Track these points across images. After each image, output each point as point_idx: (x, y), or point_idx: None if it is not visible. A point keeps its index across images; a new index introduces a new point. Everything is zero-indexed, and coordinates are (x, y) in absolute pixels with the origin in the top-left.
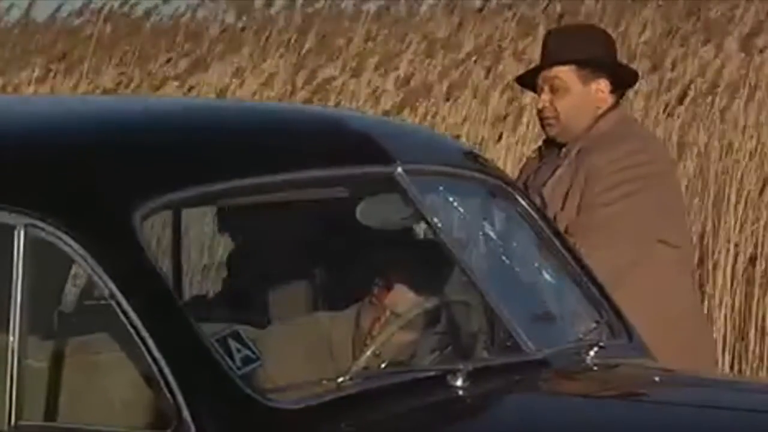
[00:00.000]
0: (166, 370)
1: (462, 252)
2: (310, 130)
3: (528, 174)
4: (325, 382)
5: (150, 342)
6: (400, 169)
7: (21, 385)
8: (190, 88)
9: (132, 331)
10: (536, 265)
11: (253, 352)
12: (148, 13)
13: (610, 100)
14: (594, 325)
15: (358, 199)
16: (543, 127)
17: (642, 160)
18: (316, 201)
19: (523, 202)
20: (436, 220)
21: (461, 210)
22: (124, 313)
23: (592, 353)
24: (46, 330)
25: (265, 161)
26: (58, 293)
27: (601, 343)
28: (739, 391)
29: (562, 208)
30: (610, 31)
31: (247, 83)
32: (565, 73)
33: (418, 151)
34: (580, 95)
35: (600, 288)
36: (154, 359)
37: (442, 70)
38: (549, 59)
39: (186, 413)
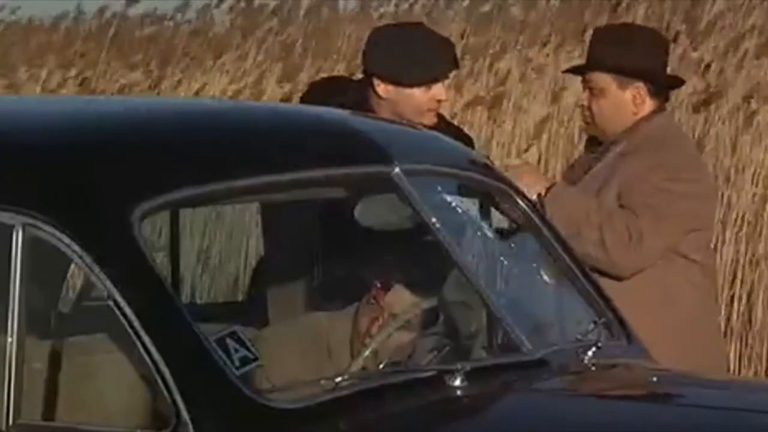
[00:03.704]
0: (165, 370)
1: (460, 252)
2: (308, 130)
3: (570, 166)
4: (323, 382)
5: (148, 342)
6: (398, 170)
7: (19, 385)
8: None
9: (130, 331)
10: (534, 265)
11: (252, 352)
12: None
13: (649, 104)
14: (592, 325)
15: (356, 199)
16: (584, 123)
17: (680, 176)
18: (314, 201)
19: (521, 203)
20: (434, 220)
21: (459, 210)
22: (122, 313)
23: (589, 353)
24: (44, 329)
25: (264, 161)
26: (57, 293)
27: (599, 344)
28: (737, 391)
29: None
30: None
31: (242, 84)
32: (602, 77)
33: (417, 152)
34: (616, 100)
35: (598, 289)
36: (152, 359)
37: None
38: (588, 63)
39: (184, 413)
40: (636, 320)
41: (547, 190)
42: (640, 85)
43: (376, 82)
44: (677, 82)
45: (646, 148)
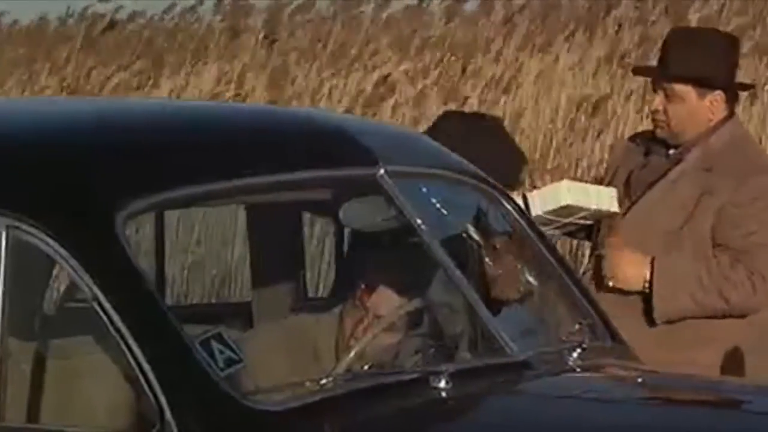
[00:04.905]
0: (149, 372)
1: (445, 254)
2: (294, 132)
3: (631, 167)
4: (308, 383)
5: (132, 343)
6: (383, 171)
7: (3, 387)
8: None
9: (115, 332)
10: (519, 266)
11: (236, 354)
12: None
13: (723, 109)
14: (577, 326)
15: (341, 201)
16: (654, 126)
17: None
18: (300, 203)
19: (506, 204)
20: (419, 221)
21: (444, 212)
22: (107, 315)
23: (574, 355)
24: (28, 331)
25: (250, 163)
26: (41, 295)
27: (584, 345)
28: (724, 392)
29: (681, 227)
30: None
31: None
32: (682, 87)
33: (402, 153)
34: (695, 107)
35: (584, 290)
36: (137, 361)
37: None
38: (667, 72)
39: (169, 415)
40: (737, 334)
41: (651, 266)
42: (719, 93)
43: None
44: (748, 87)
45: (729, 167)
